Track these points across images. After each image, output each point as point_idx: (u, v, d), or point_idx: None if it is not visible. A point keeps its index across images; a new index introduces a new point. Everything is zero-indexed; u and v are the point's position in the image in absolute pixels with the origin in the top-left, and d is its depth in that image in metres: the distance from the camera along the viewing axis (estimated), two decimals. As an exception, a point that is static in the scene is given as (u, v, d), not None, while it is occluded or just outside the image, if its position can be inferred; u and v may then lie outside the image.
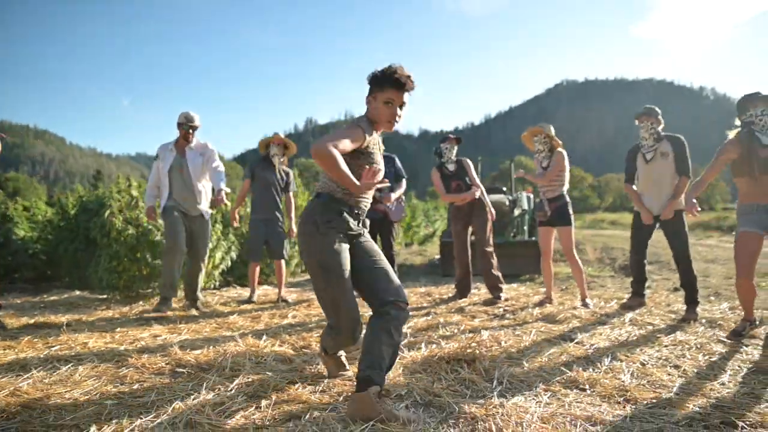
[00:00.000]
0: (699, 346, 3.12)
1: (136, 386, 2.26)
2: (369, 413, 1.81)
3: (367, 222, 2.27)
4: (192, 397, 2.09)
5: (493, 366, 2.53)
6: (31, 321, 3.81)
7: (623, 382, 2.39)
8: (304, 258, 2.12)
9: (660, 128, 4.15)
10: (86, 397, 2.11)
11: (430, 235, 15.31)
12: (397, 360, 2.60)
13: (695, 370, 2.63)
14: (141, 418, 1.86)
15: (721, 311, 4.18)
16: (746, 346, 3.08)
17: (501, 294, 4.85)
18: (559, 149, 4.54)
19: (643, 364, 2.72)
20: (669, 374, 2.58)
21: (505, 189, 10.16)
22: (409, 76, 2.10)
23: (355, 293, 2.10)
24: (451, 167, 4.86)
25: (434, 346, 2.79)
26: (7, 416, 1.89)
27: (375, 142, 2.16)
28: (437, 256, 9.00)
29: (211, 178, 4.30)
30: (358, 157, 2.08)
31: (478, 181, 4.85)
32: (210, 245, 5.47)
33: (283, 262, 5.01)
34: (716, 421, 1.88)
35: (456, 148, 4.90)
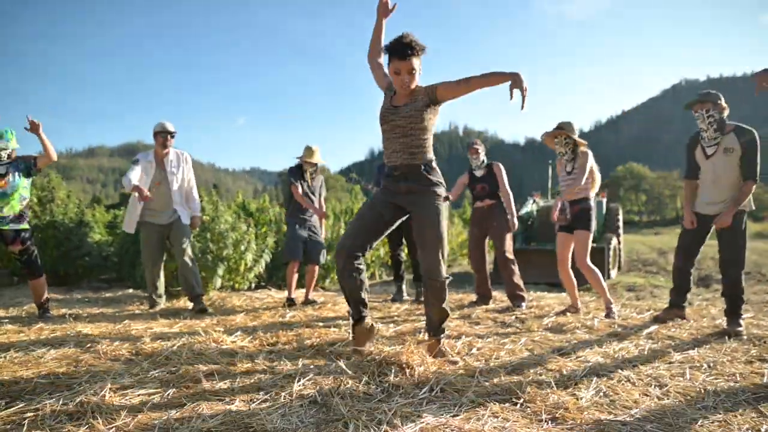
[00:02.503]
0: (711, 365, 2.63)
1: (82, 369, 2.41)
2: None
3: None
4: (114, 380, 2.18)
5: (434, 373, 2.34)
6: (62, 312, 4.24)
7: (575, 400, 2.08)
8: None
9: (725, 115, 3.44)
10: (31, 375, 2.30)
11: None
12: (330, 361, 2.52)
13: (680, 392, 2.22)
14: (49, 396, 1.98)
15: (779, 329, 3.50)
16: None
17: (522, 303, 4.51)
18: (583, 149, 4.12)
19: (620, 382, 2.35)
20: (646, 395, 2.21)
21: None
22: (406, 43, 2.37)
23: None
24: (479, 173, 4.83)
25: (383, 348, 2.64)
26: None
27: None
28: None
29: (190, 206, 4.67)
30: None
31: (506, 187, 4.74)
32: (242, 247, 5.73)
33: (316, 267, 5.01)
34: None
35: (482, 154, 4.83)
